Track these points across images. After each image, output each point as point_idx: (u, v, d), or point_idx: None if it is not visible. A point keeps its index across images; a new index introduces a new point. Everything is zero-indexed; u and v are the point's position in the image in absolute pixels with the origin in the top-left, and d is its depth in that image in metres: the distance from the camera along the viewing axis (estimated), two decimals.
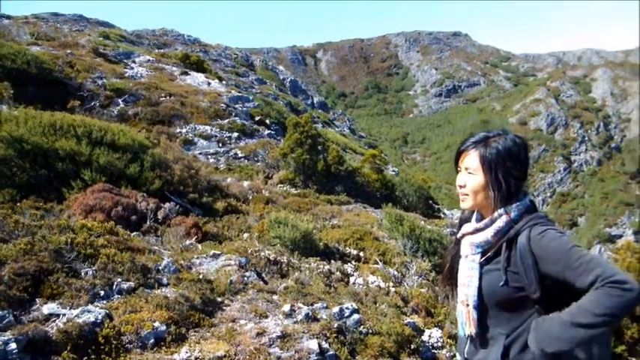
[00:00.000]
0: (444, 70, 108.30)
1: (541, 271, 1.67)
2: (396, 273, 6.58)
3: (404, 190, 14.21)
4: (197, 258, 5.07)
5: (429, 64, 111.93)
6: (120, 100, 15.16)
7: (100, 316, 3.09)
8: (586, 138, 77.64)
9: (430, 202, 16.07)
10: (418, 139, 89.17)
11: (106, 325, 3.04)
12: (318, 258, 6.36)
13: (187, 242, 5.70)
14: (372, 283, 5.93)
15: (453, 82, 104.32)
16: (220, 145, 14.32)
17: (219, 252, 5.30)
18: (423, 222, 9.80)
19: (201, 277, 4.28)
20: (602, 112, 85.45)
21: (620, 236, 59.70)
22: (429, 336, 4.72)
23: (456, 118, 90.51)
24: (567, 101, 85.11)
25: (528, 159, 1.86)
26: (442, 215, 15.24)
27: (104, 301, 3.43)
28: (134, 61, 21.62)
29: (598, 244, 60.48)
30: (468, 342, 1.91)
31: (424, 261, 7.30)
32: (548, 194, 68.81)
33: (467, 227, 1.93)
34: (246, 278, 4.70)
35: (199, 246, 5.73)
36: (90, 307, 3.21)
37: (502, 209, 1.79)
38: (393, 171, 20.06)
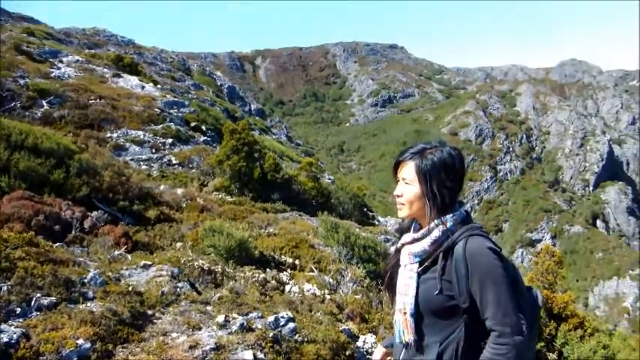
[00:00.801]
0: (381, 80, 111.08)
1: (467, 284, 1.75)
2: (331, 280, 6.63)
3: (339, 198, 14.39)
4: (126, 269, 4.86)
5: (366, 74, 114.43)
6: (44, 102, 14.27)
7: (15, 336, 2.86)
8: (510, 149, 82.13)
9: (365, 209, 16.36)
10: (354, 148, 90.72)
11: (22, 346, 2.82)
12: (254, 267, 6.30)
13: (116, 253, 5.45)
14: (308, 291, 5.94)
15: (389, 92, 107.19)
16: (154, 151, 13.85)
17: (150, 262, 5.11)
18: (357, 229, 9.96)
19: (130, 289, 4.10)
20: (525, 124, 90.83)
21: (540, 240, 63.51)
22: (364, 342, 4.78)
23: (391, 127, 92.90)
24: (494, 114, 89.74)
25: (464, 171, 1.94)
26: (376, 222, 15.55)
27: (20, 319, 3.19)
28: (61, 61, 20.50)
29: (520, 248, 64.05)
30: (404, 349, 1.96)
31: (359, 268, 7.40)
32: (476, 202, 72.08)
33: (406, 237, 1.99)
34: (178, 289, 4.56)
35: (129, 256, 5.51)
36: (3, 326, 2.98)
37: (438, 219, 1.84)
38: (329, 179, 20.25)
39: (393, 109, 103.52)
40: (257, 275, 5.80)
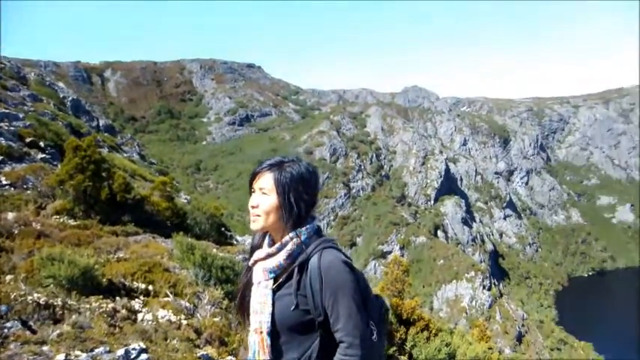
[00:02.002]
0: (238, 99, 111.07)
1: (322, 297, 1.77)
2: (187, 304, 6.35)
3: (196, 218, 13.95)
4: None
5: (223, 92, 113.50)
6: None
7: None
8: (362, 167, 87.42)
9: (223, 229, 16.08)
10: (211, 167, 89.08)
11: None
12: (101, 296, 5.77)
13: None
14: (163, 317, 5.61)
15: (246, 111, 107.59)
16: None
17: None
18: (215, 249, 9.72)
19: None
20: (375, 144, 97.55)
21: (390, 252, 68.19)
22: None
23: (249, 146, 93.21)
24: (347, 134, 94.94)
25: (318, 186, 1.99)
26: (235, 242, 15.35)
27: None
28: None
29: (373, 260, 68.05)
30: None
31: (217, 289, 7.20)
32: (332, 218, 75.24)
33: (259, 253, 1.96)
34: (7, 330, 3.99)
35: None
36: None
37: (293, 232, 1.85)
38: (185, 199, 19.56)
39: (251, 127, 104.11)
40: (105, 305, 5.33)
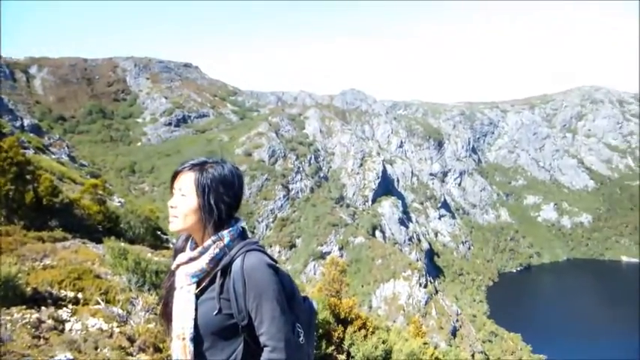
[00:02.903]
0: (175, 99, 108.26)
1: (245, 301, 1.75)
2: (120, 311, 6.13)
3: (130, 222, 13.50)
4: None
5: (159, 92, 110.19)
6: None
7: None
8: (301, 168, 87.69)
9: (158, 232, 15.66)
10: (147, 169, 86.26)
11: None
12: (25, 306, 5.47)
13: None
14: (93, 326, 5.39)
15: (183, 112, 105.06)
16: None
17: None
18: (150, 254, 9.46)
19: None
20: (313, 146, 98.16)
21: (329, 252, 68.79)
22: None
23: (186, 147, 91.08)
24: (286, 135, 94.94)
25: (242, 189, 1.94)
26: (171, 245, 15.01)
27: None
28: None
29: (312, 261, 68.43)
30: None
31: (151, 294, 7.02)
32: (271, 219, 74.93)
33: (181, 257, 1.91)
34: None
35: None
36: None
37: (215, 235, 1.82)
38: (119, 202, 18.87)
39: (188, 129, 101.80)
40: (29, 316, 5.05)
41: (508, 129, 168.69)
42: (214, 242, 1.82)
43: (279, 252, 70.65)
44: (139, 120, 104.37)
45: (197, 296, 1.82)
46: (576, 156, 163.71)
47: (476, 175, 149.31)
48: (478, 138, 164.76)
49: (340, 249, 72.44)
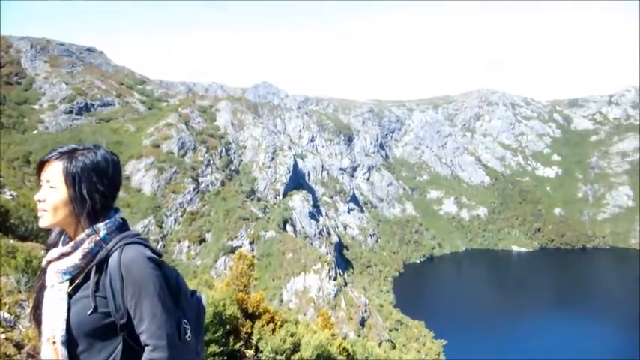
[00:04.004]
0: (76, 85, 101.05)
1: (124, 297, 1.64)
2: (7, 315, 5.69)
3: (22, 217, 12.48)
4: None
5: (58, 77, 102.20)
6: None
7: None
8: (211, 161, 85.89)
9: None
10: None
11: None
12: None
13: None
14: None
15: (86, 99, 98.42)
16: None
17: None
18: (43, 251, 8.82)
19: None
20: (224, 139, 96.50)
21: (240, 247, 68.24)
22: None
23: (89, 137, 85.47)
24: (196, 127, 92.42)
25: (119, 177, 1.82)
26: None
27: None
28: None
29: (223, 255, 67.44)
30: None
31: None
32: (180, 214, 72.69)
33: (52, 253, 1.77)
34: None
35: None
36: None
37: (90, 229, 1.71)
38: (11, 195, 17.39)
39: (91, 117, 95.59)
40: None
41: (414, 127, 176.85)
42: (89, 236, 1.71)
43: (189, 247, 68.88)
44: (36, 106, 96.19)
45: (70, 295, 1.70)
46: (474, 153, 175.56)
47: (383, 171, 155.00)
48: (386, 134, 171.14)
49: (251, 243, 72.03)
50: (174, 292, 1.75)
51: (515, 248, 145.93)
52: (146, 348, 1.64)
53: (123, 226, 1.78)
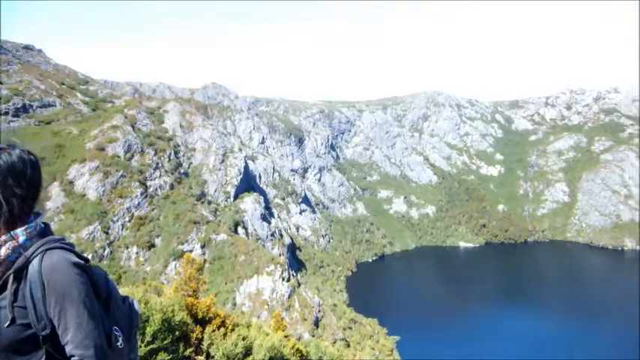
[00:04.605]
0: (13, 85, 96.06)
1: (46, 307, 1.54)
2: None
3: None
4: None
5: None
6: None
7: None
8: (160, 164, 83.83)
9: None
10: None
11: None
12: None
13: None
14: None
15: (24, 100, 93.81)
16: None
17: None
18: None
19: None
20: (173, 141, 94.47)
21: (191, 251, 67.04)
22: None
23: (27, 140, 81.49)
24: (143, 129, 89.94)
25: (38, 177, 1.71)
26: None
27: None
28: None
29: (173, 260, 65.99)
30: None
31: None
32: (127, 219, 70.55)
33: None
34: None
35: None
36: None
37: (7, 234, 1.62)
38: None
39: (29, 119, 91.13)
40: None
41: (363, 127, 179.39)
42: (5, 242, 1.61)
43: (137, 253, 66.97)
44: None
45: None
46: (422, 153, 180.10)
47: (334, 171, 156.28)
48: (336, 135, 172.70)
49: (202, 247, 70.88)
50: (104, 299, 1.66)
51: (462, 244, 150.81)
52: (72, 359, 1.56)
53: (45, 231, 1.68)
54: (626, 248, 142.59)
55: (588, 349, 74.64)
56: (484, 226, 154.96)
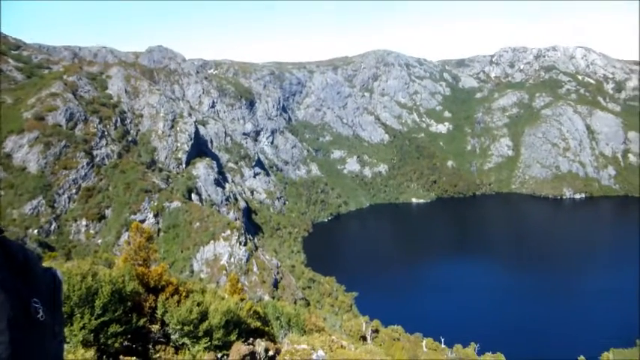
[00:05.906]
0: None
1: None
2: None
3: None
4: None
5: None
6: None
7: None
8: (106, 133, 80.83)
9: None
10: None
11: None
12: None
13: None
14: None
15: None
16: None
17: None
18: None
19: None
20: (119, 107, 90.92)
21: (144, 220, 65.88)
22: None
23: None
24: (85, 96, 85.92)
25: None
26: None
27: None
28: None
29: (126, 231, 64.70)
30: None
31: None
32: (74, 191, 68.21)
33: None
34: None
35: None
36: None
37: None
38: None
39: None
40: None
41: (315, 88, 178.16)
42: None
43: (87, 225, 65.23)
44: None
45: None
46: (373, 113, 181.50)
47: (287, 133, 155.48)
48: (287, 97, 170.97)
49: (155, 215, 69.75)
50: (21, 269, 1.53)
51: (414, 200, 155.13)
52: None
53: None
54: (564, 197, 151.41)
55: (536, 295, 79.82)
56: (435, 182, 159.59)
